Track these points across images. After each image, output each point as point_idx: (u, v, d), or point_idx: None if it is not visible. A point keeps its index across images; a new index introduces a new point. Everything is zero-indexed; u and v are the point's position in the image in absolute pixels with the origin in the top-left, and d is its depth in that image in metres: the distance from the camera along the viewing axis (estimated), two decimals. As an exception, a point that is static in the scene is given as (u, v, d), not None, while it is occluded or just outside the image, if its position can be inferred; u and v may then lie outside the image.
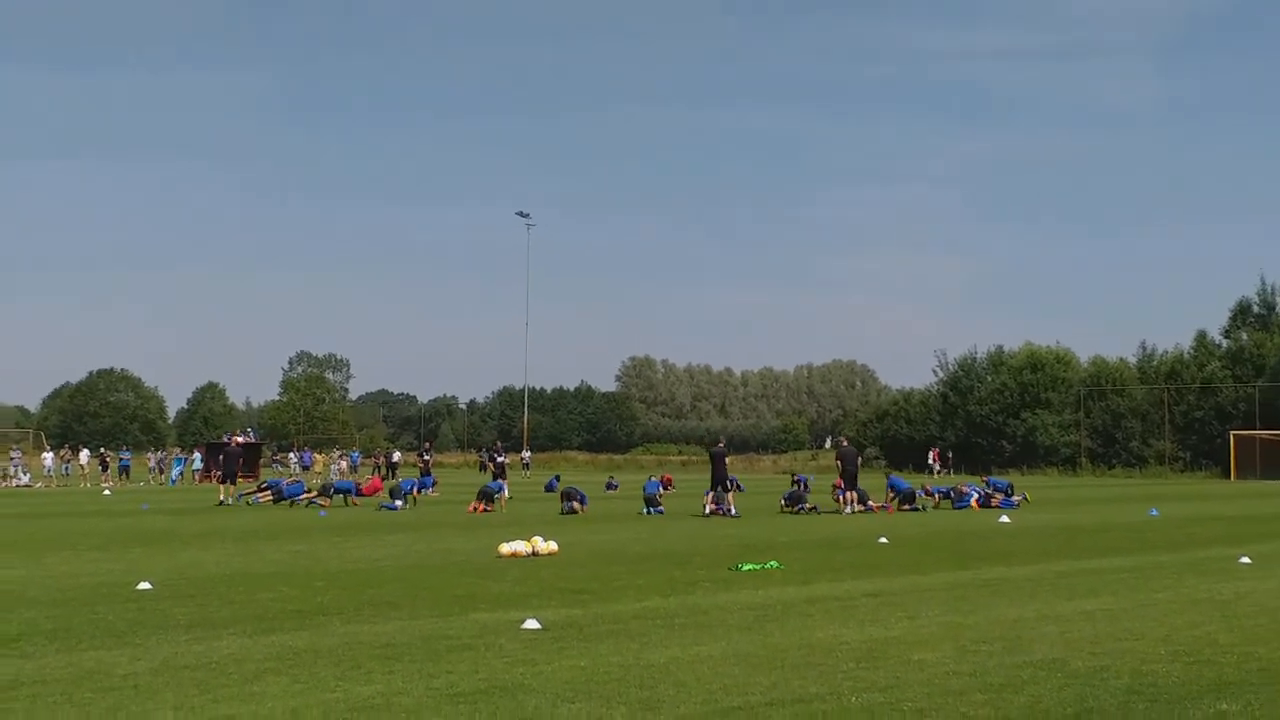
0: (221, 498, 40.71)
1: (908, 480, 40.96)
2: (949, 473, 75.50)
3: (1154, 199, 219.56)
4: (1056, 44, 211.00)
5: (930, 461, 77.38)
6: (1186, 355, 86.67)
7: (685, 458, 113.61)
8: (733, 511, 32.83)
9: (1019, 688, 9.77)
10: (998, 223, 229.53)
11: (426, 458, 54.07)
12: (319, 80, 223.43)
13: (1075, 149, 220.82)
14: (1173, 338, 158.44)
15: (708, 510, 33.45)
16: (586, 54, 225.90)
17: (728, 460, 35.22)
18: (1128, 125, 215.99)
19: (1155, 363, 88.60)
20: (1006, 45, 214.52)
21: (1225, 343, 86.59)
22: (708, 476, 36.98)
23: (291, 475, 56.18)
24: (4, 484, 61.39)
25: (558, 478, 53.50)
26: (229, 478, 42.15)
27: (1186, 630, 12.68)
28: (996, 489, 39.75)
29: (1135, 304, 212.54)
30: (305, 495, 39.76)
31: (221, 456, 47.18)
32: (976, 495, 37.97)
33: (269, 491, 41.88)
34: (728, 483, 34.12)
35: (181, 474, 67.48)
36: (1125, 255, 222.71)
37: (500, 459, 47.51)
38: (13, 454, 66.86)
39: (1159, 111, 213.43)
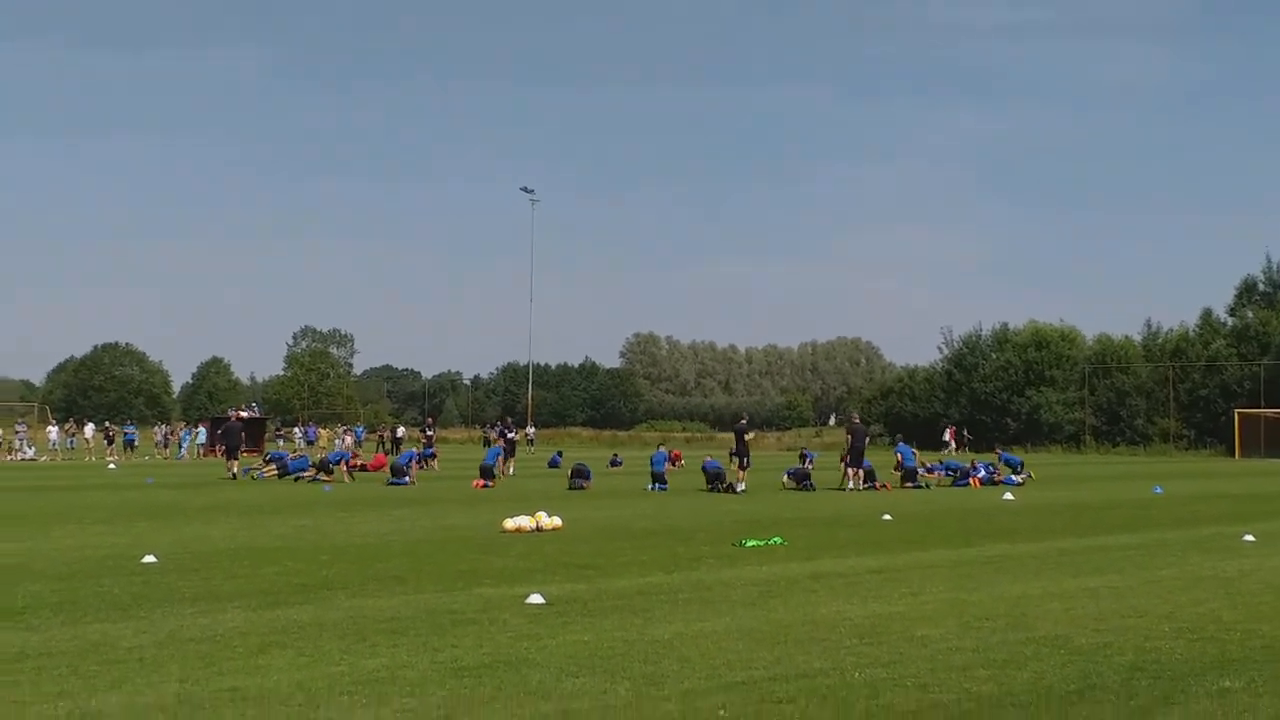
0: (231, 472, 40.84)
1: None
2: (966, 450, 75.37)
3: (1161, 177, 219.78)
4: (1065, 20, 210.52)
5: (946, 439, 77.07)
6: (1192, 333, 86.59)
7: (689, 434, 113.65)
8: (739, 488, 32.83)
9: (1022, 664, 9.78)
10: (1004, 200, 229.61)
11: (430, 433, 54.12)
12: (324, 53, 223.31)
13: (1082, 126, 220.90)
14: (1178, 316, 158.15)
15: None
16: (592, 28, 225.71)
17: (748, 437, 35.25)
18: (1136, 102, 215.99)
19: (1160, 341, 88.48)
20: (1015, 20, 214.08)
21: (1231, 321, 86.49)
22: (710, 452, 36.99)
23: (296, 450, 56.17)
24: (9, 458, 61.51)
25: (560, 454, 53.51)
26: (231, 453, 42.22)
27: (1190, 607, 12.69)
28: (1008, 464, 39.79)
29: (1141, 282, 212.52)
30: (309, 472, 39.82)
31: (221, 431, 47.23)
32: (982, 473, 37.96)
33: (273, 465, 41.98)
34: (745, 460, 34.12)
35: (187, 449, 67.59)
36: (1131, 233, 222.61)
37: (511, 435, 47.50)
38: (18, 428, 66.95)
39: (1167, 88, 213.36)
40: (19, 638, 10.82)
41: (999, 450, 44.49)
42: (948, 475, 39.25)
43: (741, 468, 33.74)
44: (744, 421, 36.77)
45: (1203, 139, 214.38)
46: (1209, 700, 8.69)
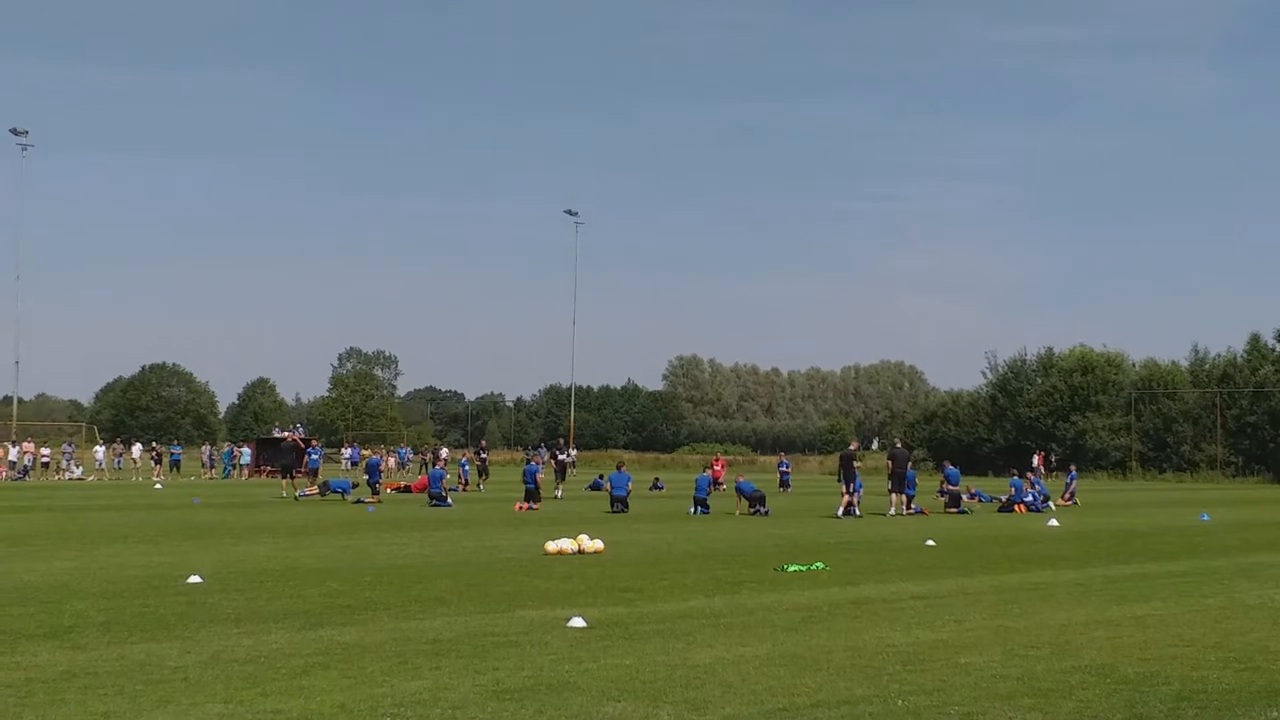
0: (285, 492, 41.37)
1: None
2: (1055, 475, 74.90)
3: (1207, 198, 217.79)
4: (1112, 38, 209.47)
5: (1036, 464, 76.32)
6: (1239, 359, 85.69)
7: (731, 458, 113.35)
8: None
9: (1067, 693, 9.70)
10: (1050, 220, 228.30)
11: (484, 455, 54.02)
12: (371, 76, 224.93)
13: (1129, 146, 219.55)
14: (1225, 341, 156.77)
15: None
16: (636, 49, 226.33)
17: (858, 464, 34.91)
18: (1184, 122, 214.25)
19: (1207, 366, 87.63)
20: (1062, 38, 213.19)
21: (1279, 347, 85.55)
22: (751, 475, 36.84)
23: (345, 471, 56.47)
24: (57, 477, 62.12)
25: (602, 477, 53.56)
26: (286, 472, 42.79)
27: (1238, 636, 12.55)
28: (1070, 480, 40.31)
29: (1188, 307, 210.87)
30: (352, 494, 40.20)
31: (274, 451, 47.65)
32: (1030, 499, 37.70)
33: (315, 487, 42.39)
34: (855, 484, 33.74)
35: (232, 469, 68.12)
36: (1179, 256, 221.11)
37: (562, 456, 47.53)
38: (65, 448, 67.62)
39: (1216, 108, 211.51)
40: (65, 656, 10.92)
41: (1072, 468, 44.41)
42: (990, 502, 39.05)
43: (849, 492, 33.50)
44: (854, 447, 36.61)
45: (1250, 160, 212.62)
46: (1257, 731, 8.59)
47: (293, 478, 42.96)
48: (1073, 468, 46.73)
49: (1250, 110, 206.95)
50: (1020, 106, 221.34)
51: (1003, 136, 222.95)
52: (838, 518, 32.50)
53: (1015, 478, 40.73)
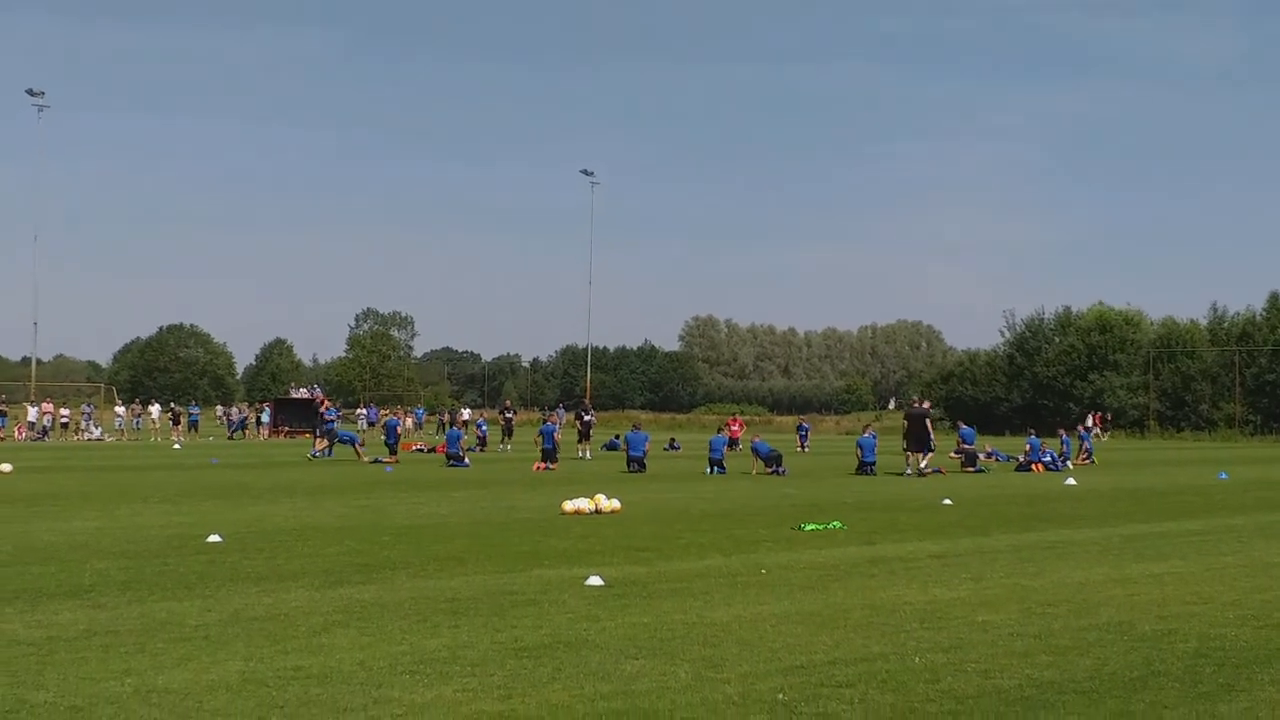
0: (316, 451, 41.88)
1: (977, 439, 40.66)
2: (1109, 435, 74.96)
3: (1227, 157, 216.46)
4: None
5: (1090, 424, 76.23)
6: (1258, 317, 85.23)
7: (747, 418, 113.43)
8: (925, 469, 33.29)
9: (1085, 650, 9.71)
10: (1068, 180, 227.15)
11: (509, 415, 53.96)
12: (385, 36, 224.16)
13: (1149, 105, 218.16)
14: (1244, 299, 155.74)
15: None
16: (650, 10, 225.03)
17: (928, 424, 35.18)
18: (1202, 80, 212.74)
19: (1226, 324, 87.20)
20: None
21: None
22: (767, 435, 36.84)
23: (362, 432, 56.59)
24: (76, 438, 62.44)
25: (618, 437, 53.61)
26: (318, 431, 43.51)
27: (1255, 594, 12.55)
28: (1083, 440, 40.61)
29: (1207, 265, 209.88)
30: (359, 445, 40.65)
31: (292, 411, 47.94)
32: (1047, 458, 37.66)
33: (324, 440, 42.74)
34: (930, 444, 34.22)
35: (243, 426, 68.66)
36: (1197, 214, 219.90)
37: (588, 417, 47.54)
38: (85, 408, 67.92)
39: (1236, 66, 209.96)
40: (86, 615, 10.99)
41: (1079, 429, 44.38)
42: (1007, 461, 39.05)
43: (928, 450, 33.97)
44: (922, 405, 37.02)
45: (1271, 120, 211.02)
46: (1274, 688, 8.60)
47: (321, 436, 43.41)
48: (1081, 428, 46.49)
49: (1272, 70, 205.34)
50: (1039, 67, 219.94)
51: (1021, 97, 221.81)
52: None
53: (1032, 436, 40.70)
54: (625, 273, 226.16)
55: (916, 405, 37.66)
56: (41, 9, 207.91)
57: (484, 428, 52.38)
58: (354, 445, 40.98)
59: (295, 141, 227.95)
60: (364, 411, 73.53)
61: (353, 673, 8.79)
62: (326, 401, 53.36)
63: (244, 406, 76.27)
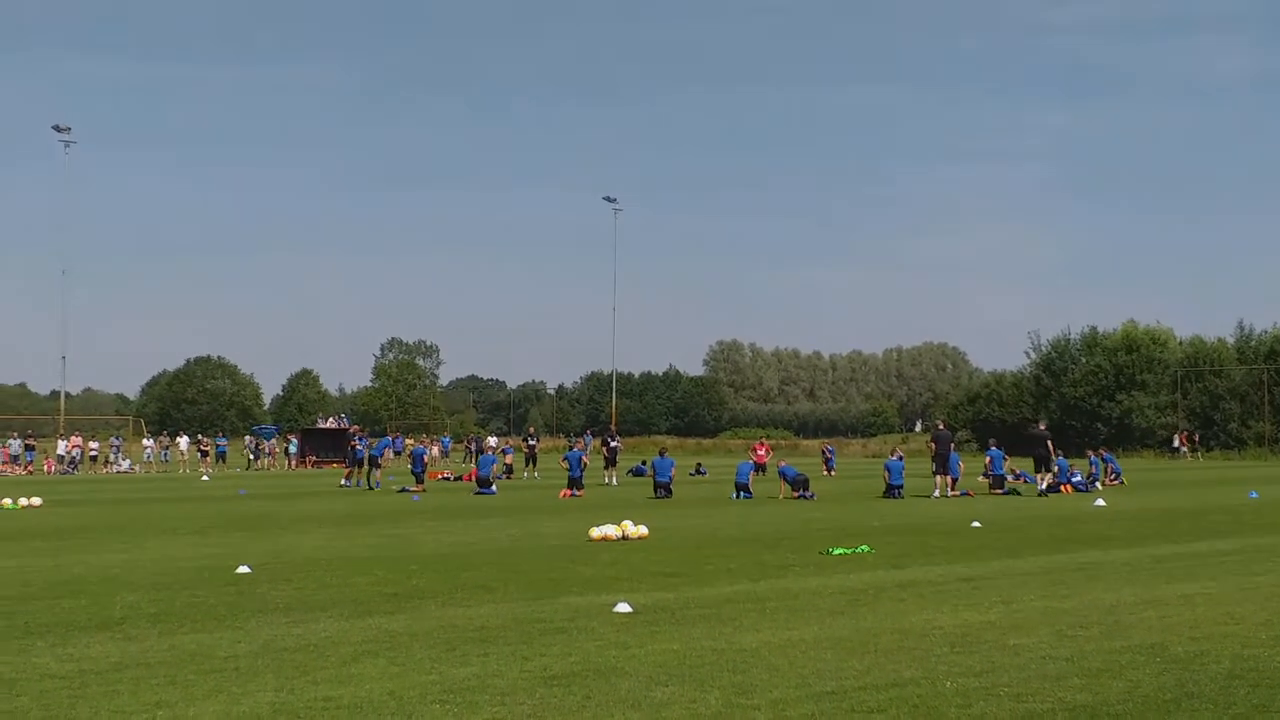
0: (351, 481, 42.05)
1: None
2: (1198, 455, 74.72)
3: (1250, 174, 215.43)
4: (1155, 17, 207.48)
5: (1177, 445, 75.86)
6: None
7: (773, 442, 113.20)
8: (948, 493, 33.71)
9: (1117, 673, 9.65)
10: (1093, 200, 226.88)
11: (533, 443, 53.95)
12: (408, 68, 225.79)
13: (1172, 123, 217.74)
14: (1271, 317, 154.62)
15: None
16: (675, 35, 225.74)
17: (1050, 444, 36.10)
18: (1226, 98, 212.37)
19: (1254, 343, 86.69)
20: (1101, 17, 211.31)
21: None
22: (793, 459, 36.73)
23: (389, 461, 56.77)
24: (105, 470, 62.71)
25: (644, 463, 53.58)
26: (354, 463, 43.50)
27: (1289, 615, 12.44)
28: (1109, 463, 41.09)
29: (1233, 283, 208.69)
30: (384, 455, 41.27)
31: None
32: (1077, 478, 37.46)
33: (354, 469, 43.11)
34: (1052, 464, 35.40)
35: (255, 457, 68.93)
36: (1222, 232, 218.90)
37: (614, 443, 47.51)
38: (113, 441, 68.24)
39: (1258, 83, 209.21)
40: (117, 648, 11.03)
41: (1103, 451, 44.13)
42: (1033, 483, 38.85)
43: (1048, 470, 35.20)
44: (1041, 427, 37.83)
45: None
46: (1311, 710, 8.52)
47: (360, 467, 43.47)
48: (1102, 451, 45.97)
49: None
50: (1062, 86, 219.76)
51: (1045, 117, 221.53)
52: (944, 498, 33.45)
53: (1060, 458, 40.51)
54: (649, 298, 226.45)
55: (942, 428, 37.56)
56: (67, 45, 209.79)
57: (510, 452, 52.51)
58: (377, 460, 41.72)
59: (319, 172, 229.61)
60: (389, 441, 73.68)
61: (383, 703, 8.79)
62: (357, 429, 53.47)
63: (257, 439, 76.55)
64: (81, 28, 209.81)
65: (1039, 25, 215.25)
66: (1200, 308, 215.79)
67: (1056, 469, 36.37)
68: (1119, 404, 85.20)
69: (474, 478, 41.21)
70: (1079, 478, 37.71)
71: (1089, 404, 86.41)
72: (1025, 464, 49.42)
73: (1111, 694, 8.94)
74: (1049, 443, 35.89)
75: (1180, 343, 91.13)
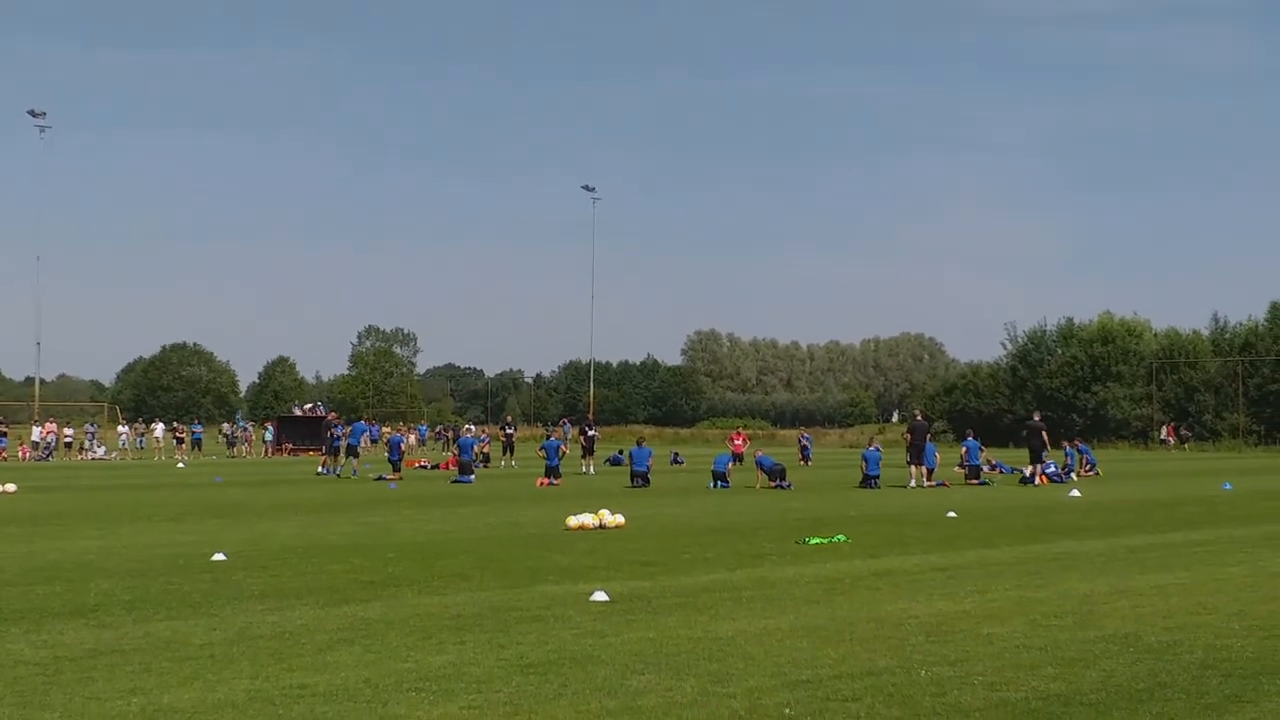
0: (334, 470, 41.92)
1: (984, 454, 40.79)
2: (1188, 447, 75.07)
3: (1229, 167, 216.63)
4: (1136, 6, 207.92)
5: (1164, 437, 76.11)
6: (1260, 326, 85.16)
7: (751, 431, 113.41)
8: (924, 484, 34.45)
9: (1091, 662, 9.71)
10: (1070, 192, 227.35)
11: (510, 431, 53.92)
12: (383, 51, 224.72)
13: (1149, 115, 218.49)
14: (1246, 309, 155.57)
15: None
16: (656, 21, 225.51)
17: (1045, 434, 37.53)
18: (1203, 90, 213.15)
19: (1228, 335, 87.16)
20: (1082, 7, 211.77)
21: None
22: (770, 449, 36.86)
23: (364, 450, 56.66)
24: (80, 457, 62.46)
25: (621, 452, 53.62)
26: (334, 450, 43.22)
27: (1261, 605, 12.53)
28: (1084, 454, 41.36)
29: (1208, 275, 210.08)
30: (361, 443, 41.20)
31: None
32: (1051, 468, 37.64)
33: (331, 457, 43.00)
34: (1047, 454, 36.82)
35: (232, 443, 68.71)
36: (1198, 225, 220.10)
37: (591, 432, 47.53)
38: (88, 428, 67.96)
39: (1235, 76, 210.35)
40: (92, 635, 10.99)
41: (1078, 442, 44.33)
42: (1011, 474, 39.11)
43: (1039, 460, 36.35)
44: (1040, 419, 38.84)
45: (1271, 128, 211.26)
46: (1282, 699, 8.59)
47: (338, 454, 43.21)
48: (1077, 442, 46.05)
49: (1269, 76, 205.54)
50: (1041, 77, 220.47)
51: (1022, 107, 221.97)
52: (920, 488, 33.81)
53: (969, 439, 40.96)
54: (627, 287, 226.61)
55: (918, 418, 37.70)
56: (40, 30, 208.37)
57: (485, 440, 52.43)
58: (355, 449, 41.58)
59: (295, 158, 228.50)
60: (367, 429, 73.56)
61: (359, 690, 8.78)
62: (334, 416, 53.34)
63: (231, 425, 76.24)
64: (54, 11, 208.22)
65: (1021, 15, 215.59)
66: (1175, 299, 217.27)
67: (1082, 458, 37.58)
68: (1094, 395, 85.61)
69: (455, 464, 41.28)
70: (1054, 468, 37.87)
71: (1064, 395, 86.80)
72: (1001, 454, 49.62)
73: (1085, 683, 8.99)
74: (1044, 434, 37.01)
75: (1156, 335, 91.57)
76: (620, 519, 21.52)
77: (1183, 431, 77.48)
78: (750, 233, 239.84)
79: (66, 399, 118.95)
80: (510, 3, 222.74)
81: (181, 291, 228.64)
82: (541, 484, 35.31)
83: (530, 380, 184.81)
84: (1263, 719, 8.07)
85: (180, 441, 66.18)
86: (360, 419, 78.33)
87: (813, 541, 18.59)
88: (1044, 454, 36.80)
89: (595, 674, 9.27)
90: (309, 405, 74.68)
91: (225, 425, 77.88)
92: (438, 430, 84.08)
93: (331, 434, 44.49)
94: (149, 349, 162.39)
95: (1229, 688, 8.88)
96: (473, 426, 74.51)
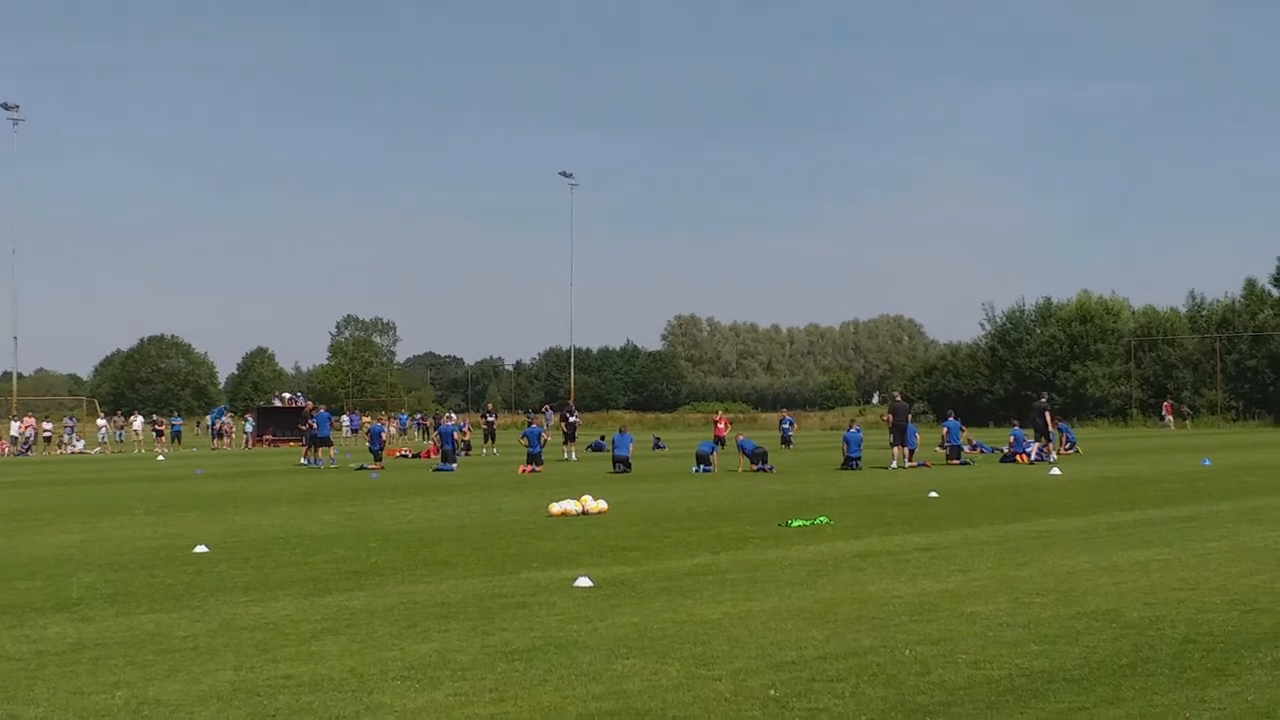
0: (327, 461, 41.83)
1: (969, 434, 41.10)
2: (1188, 424, 75.16)
3: (1204, 145, 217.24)
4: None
5: (1164, 415, 76.14)
6: (1237, 303, 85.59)
7: (731, 415, 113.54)
8: (1051, 456, 35.83)
9: (1074, 639, 9.75)
10: (1045, 172, 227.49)
11: (491, 419, 53.85)
12: (363, 42, 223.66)
13: (1124, 95, 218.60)
14: (1222, 287, 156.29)
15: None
16: (629, 4, 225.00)
17: (1048, 415, 38.20)
18: (1176, 71, 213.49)
19: (1205, 312, 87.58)
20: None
21: (1276, 291, 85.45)
22: (752, 433, 36.92)
23: (345, 439, 56.72)
24: (59, 451, 62.20)
25: (603, 438, 53.65)
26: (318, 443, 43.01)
27: (1242, 579, 12.60)
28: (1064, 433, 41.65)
29: (1184, 253, 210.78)
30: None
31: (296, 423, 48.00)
32: (1033, 448, 37.77)
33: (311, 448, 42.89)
34: (1049, 434, 37.49)
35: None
36: (1174, 204, 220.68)
37: (573, 419, 47.50)
38: (67, 422, 67.66)
39: (1212, 51, 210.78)
40: (74, 628, 10.96)
41: (1058, 421, 44.56)
42: (991, 453, 39.25)
43: (1048, 440, 37.19)
44: (1043, 400, 39.12)
45: (1245, 103, 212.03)
46: (1263, 671, 8.64)
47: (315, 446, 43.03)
48: (1058, 420, 46.55)
49: (1246, 59, 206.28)
50: (1017, 56, 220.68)
51: (1000, 88, 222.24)
52: (902, 469, 33.94)
53: (1016, 428, 40.83)
54: (606, 273, 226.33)
55: (899, 400, 37.79)
56: (19, 25, 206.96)
57: (465, 428, 52.41)
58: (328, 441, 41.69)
59: (272, 147, 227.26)
60: (347, 419, 73.42)
61: (344, 680, 8.77)
62: (313, 406, 53.18)
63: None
64: (27, 5, 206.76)
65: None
66: (1152, 277, 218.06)
67: (1062, 437, 38.31)
68: (1073, 374, 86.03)
69: (437, 451, 41.23)
70: (1034, 447, 37.98)
71: (1044, 374, 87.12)
72: (981, 434, 49.83)
73: (1068, 660, 9.03)
74: (1047, 414, 37.68)
75: (1134, 313, 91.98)
76: (603, 505, 21.53)
77: (1183, 409, 77.49)
78: (728, 217, 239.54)
79: (44, 393, 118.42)
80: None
81: (159, 284, 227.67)
82: (524, 471, 35.29)
83: (510, 367, 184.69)
84: (1244, 692, 8.11)
85: (160, 434, 65.90)
86: (338, 408, 78.11)
87: (795, 524, 18.63)
88: (1049, 433, 37.49)
89: (580, 659, 9.28)
90: (289, 396, 74.34)
91: (209, 417, 77.62)
92: (418, 417, 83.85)
93: (311, 425, 44.34)
94: (127, 342, 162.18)
95: (1211, 662, 8.93)
96: (453, 415, 74.43)
